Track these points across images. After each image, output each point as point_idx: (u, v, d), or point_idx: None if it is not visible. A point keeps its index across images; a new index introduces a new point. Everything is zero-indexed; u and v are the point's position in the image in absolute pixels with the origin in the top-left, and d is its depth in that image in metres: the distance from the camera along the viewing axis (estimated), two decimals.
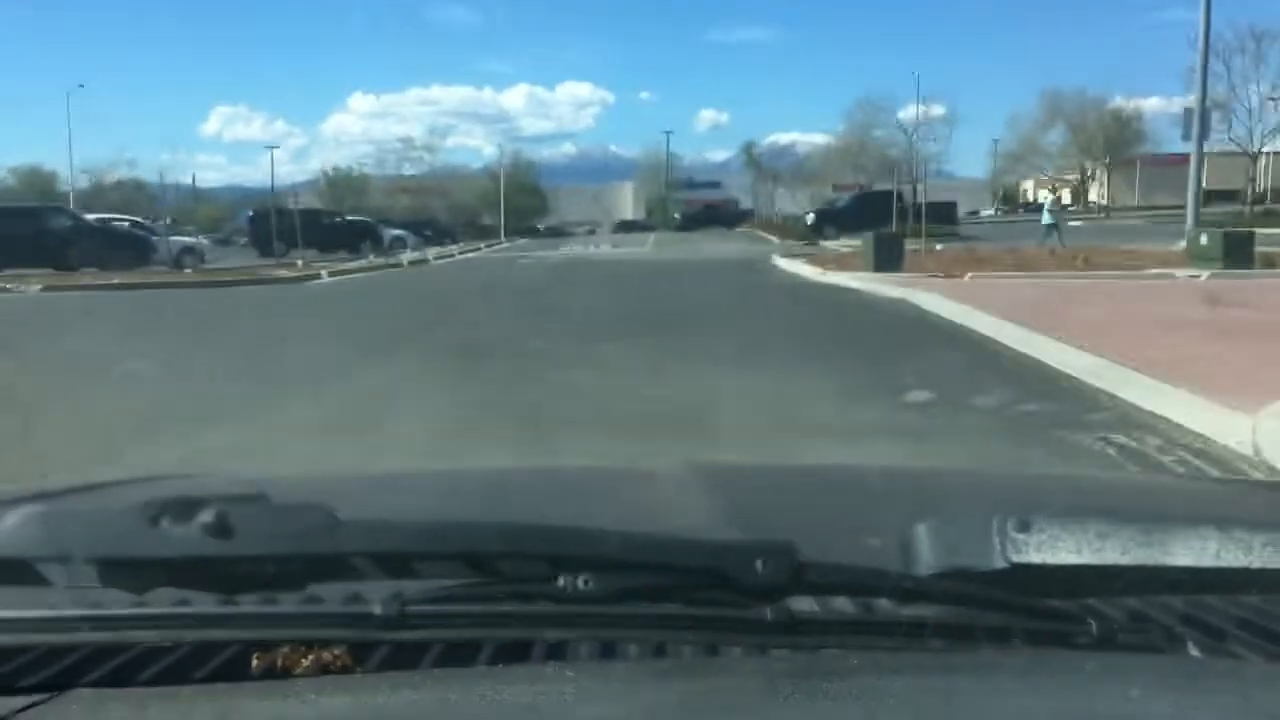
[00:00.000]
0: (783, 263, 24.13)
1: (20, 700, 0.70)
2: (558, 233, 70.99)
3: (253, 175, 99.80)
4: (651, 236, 54.91)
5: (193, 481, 1.56)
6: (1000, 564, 0.80)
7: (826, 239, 36.99)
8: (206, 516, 0.75)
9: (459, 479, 1.79)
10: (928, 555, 0.83)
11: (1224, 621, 0.86)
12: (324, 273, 24.63)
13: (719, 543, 0.83)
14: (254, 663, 0.76)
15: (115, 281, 20.47)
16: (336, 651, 0.77)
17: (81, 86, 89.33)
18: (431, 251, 38.70)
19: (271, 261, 28.57)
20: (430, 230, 51.70)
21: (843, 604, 0.85)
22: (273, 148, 60.63)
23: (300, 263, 27.77)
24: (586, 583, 0.77)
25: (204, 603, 0.78)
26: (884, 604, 0.83)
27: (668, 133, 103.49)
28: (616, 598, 0.78)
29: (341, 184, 75.21)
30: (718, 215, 71.08)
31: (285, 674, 0.75)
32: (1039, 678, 0.71)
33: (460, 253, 40.69)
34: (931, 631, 0.78)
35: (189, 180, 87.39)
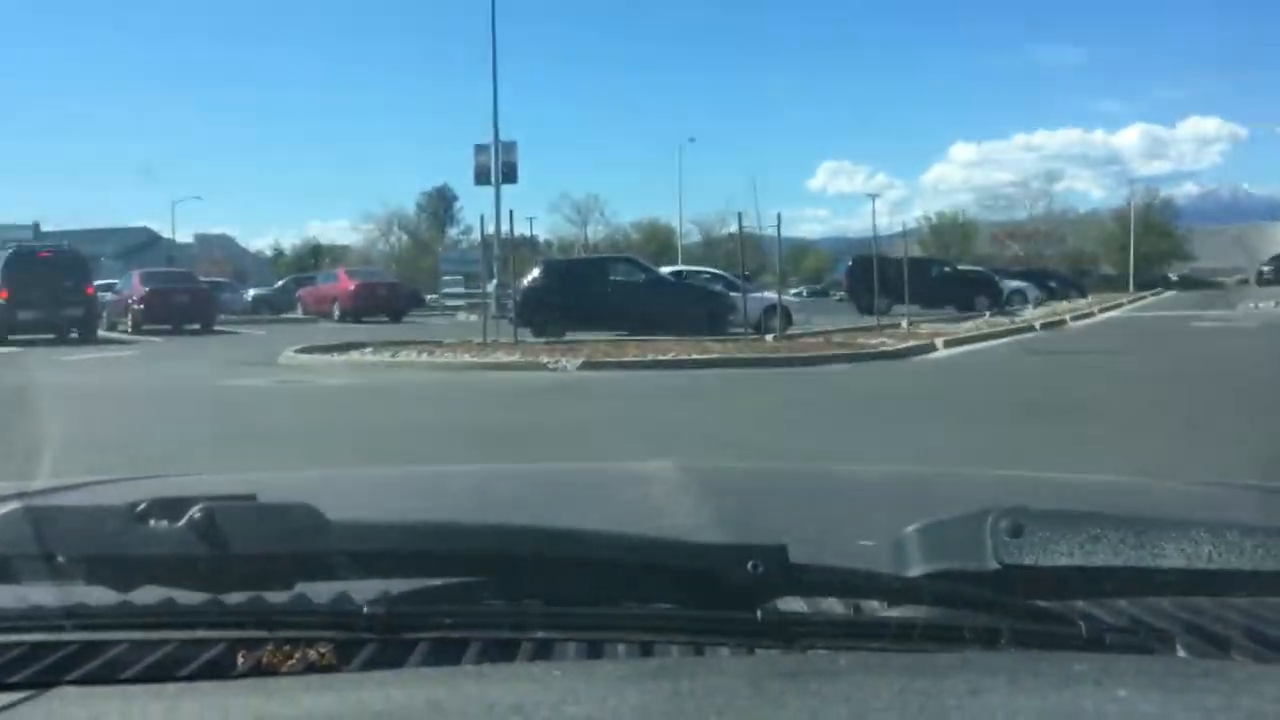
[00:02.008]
0: None
1: (5, 697, 0.69)
2: (1196, 282, 59.18)
3: (853, 226, 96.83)
4: None
5: (180, 481, 1.58)
6: (990, 565, 0.80)
7: None
8: (193, 515, 0.75)
9: (448, 479, 1.81)
10: (918, 556, 0.82)
11: (1213, 623, 0.85)
12: (938, 342, 18.05)
13: (709, 544, 0.84)
14: (240, 661, 0.75)
15: (667, 356, 15.33)
16: (322, 650, 0.75)
17: (692, 141, 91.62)
18: (1061, 307, 30.81)
19: (870, 323, 22.54)
20: (1054, 281, 43.61)
21: (832, 605, 0.85)
22: (874, 196, 55.90)
23: (904, 324, 21.37)
24: (575, 583, 0.78)
25: (190, 600, 0.77)
26: (873, 605, 0.83)
27: None
28: (605, 598, 0.79)
29: (946, 231, 68.95)
30: None
31: (271, 672, 0.74)
32: (1028, 678, 0.69)
33: (1099, 309, 32.25)
34: (921, 632, 0.77)
35: (792, 233, 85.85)
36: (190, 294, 26.80)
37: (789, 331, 19.44)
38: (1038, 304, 34.84)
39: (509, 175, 36.89)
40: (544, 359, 15.16)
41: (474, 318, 36.26)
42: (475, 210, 78.81)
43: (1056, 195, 71.82)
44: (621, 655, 0.78)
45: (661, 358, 15.17)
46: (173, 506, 0.76)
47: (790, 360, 15.07)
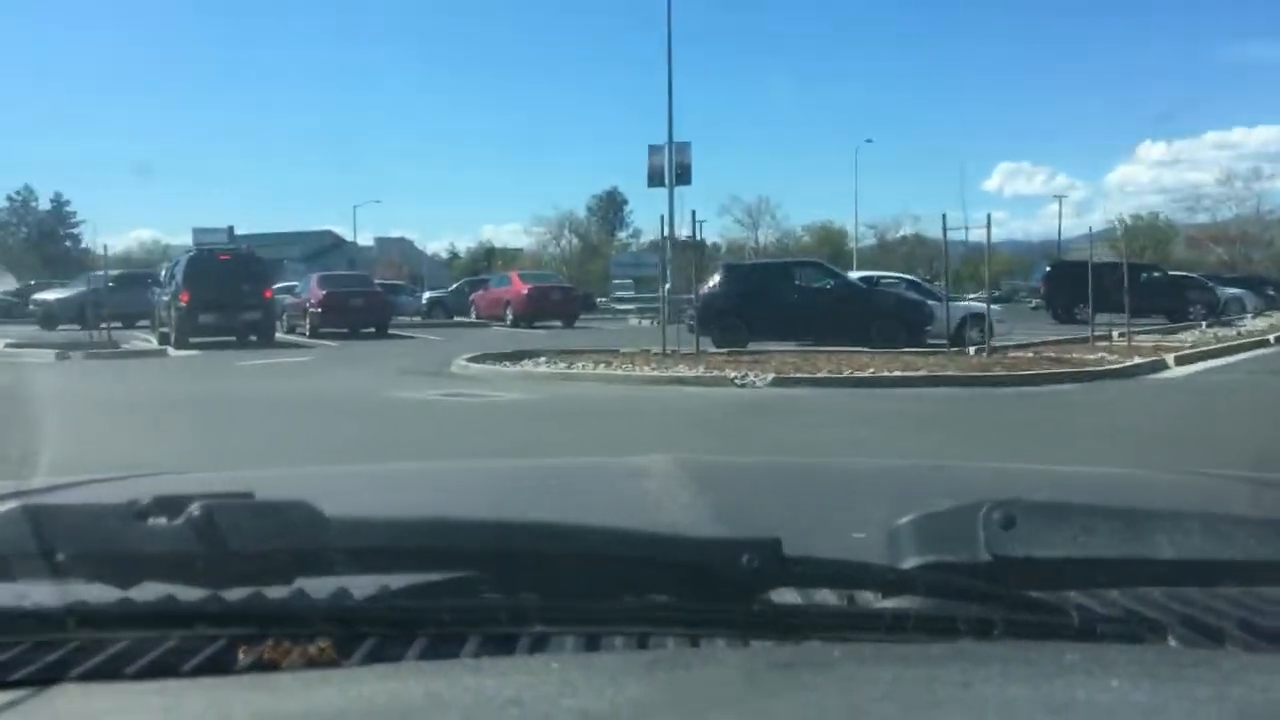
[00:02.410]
0: None
1: (7, 695, 0.70)
2: None
3: (1032, 229, 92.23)
4: None
5: (180, 478, 1.57)
6: (983, 557, 0.81)
7: None
8: (193, 512, 0.75)
9: (445, 475, 1.81)
10: (911, 548, 0.83)
11: (1204, 613, 0.85)
12: (1168, 358, 15.93)
13: (704, 538, 0.86)
14: (240, 656, 0.75)
15: (865, 372, 13.76)
16: (322, 645, 0.76)
17: (869, 141, 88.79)
18: None
19: (1076, 334, 20.33)
20: (1271, 288, 39.83)
21: (826, 597, 0.85)
22: (1060, 197, 52.57)
23: (1116, 335, 19.16)
24: (572, 577, 0.78)
25: (190, 597, 0.77)
26: (867, 597, 0.83)
27: None
28: (602, 592, 0.79)
29: (1141, 233, 64.59)
30: None
31: (271, 667, 0.74)
32: (1021, 668, 0.70)
33: None
34: (914, 623, 0.77)
35: (971, 236, 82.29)
36: (366, 297, 26.39)
37: (991, 343, 17.53)
38: (1257, 313, 31.61)
39: (682, 177, 35.78)
40: (730, 373, 13.81)
41: (646, 323, 35.47)
42: (644, 214, 78.21)
43: (1265, 195, 66.10)
44: (618, 648, 0.78)
45: (859, 374, 13.63)
46: (172, 504, 0.76)
47: (1007, 379, 13.29)
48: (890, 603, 0.81)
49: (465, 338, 24.43)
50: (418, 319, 35.71)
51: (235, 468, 6.08)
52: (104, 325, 20.59)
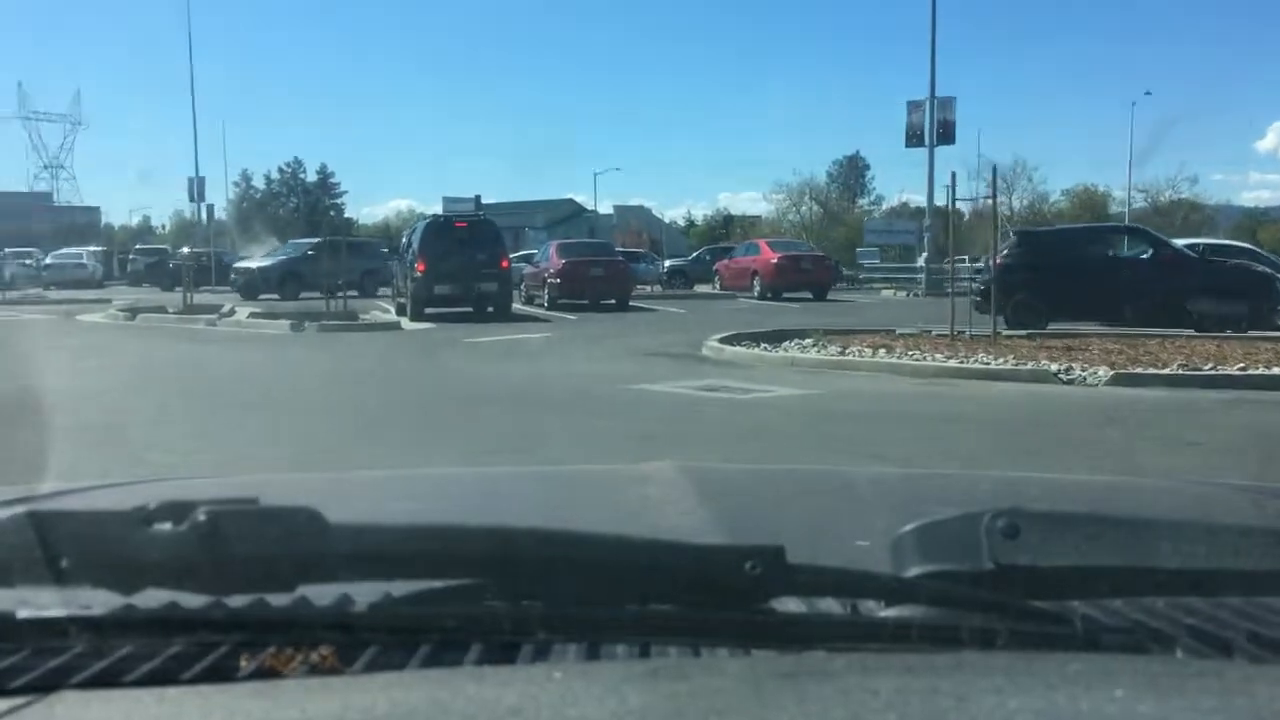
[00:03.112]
0: None
1: (7, 702, 0.69)
2: None
3: None
4: None
5: (184, 484, 1.57)
6: (986, 566, 0.80)
7: None
8: (196, 518, 0.75)
9: (447, 481, 1.80)
10: (914, 557, 0.82)
11: (1209, 623, 0.84)
12: None
13: (707, 545, 0.83)
14: (243, 663, 0.75)
15: (1233, 369, 10.55)
16: (324, 652, 0.76)
17: (1148, 94, 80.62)
18: None
19: None
20: None
21: (829, 605, 0.84)
22: None
23: None
24: (574, 584, 0.77)
25: (193, 604, 0.77)
26: (870, 605, 0.82)
27: None
28: (604, 599, 0.78)
29: None
30: None
31: (274, 675, 0.74)
32: (1024, 678, 0.69)
33: None
34: (917, 632, 0.77)
35: (1234, 200, 73.74)
36: (606, 267, 24.37)
37: None
38: None
39: (945, 135, 32.24)
40: (1048, 364, 10.93)
41: (901, 294, 32.48)
42: (887, 180, 74.02)
43: None
44: (620, 656, 0.78)
45: (1228, 371, 10.47)
46: (176, 510, 0.76)
47: None
48: (893, 612, 0.80)
49: (712, 312, 22.21)
50: (657, 288, 33.78)
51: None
52: (340, 294, 19.43)
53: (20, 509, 0.82)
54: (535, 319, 20.95)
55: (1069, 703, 0.64)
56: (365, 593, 0.79)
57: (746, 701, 0.65)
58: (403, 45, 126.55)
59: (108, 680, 0.72)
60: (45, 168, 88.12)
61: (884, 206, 70.89)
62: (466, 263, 20.36)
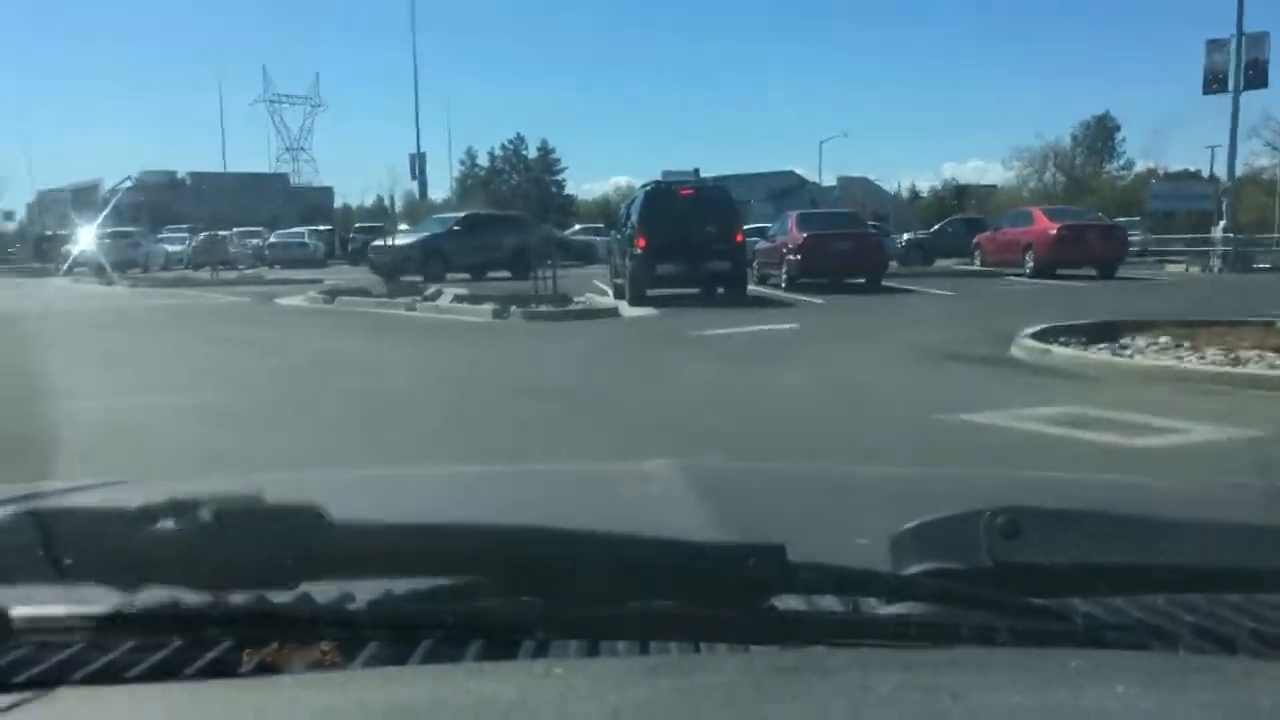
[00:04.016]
0: None
1: (9, 698, 0.69)
2: None
3: None
4: None
5: (185, 483, 1.55)
6: (987, 563, 0.80)
7: None
8: (198, 515, 0.75)
9: (449, 478, 1.79)
10: (915, 554, 0.82)
11: (1209, 620, 0.83)
12: None
13: (707, 543, 0.83)
14: (244, 659, 0.75)
15: None
16: (326, 648, 0.75)
17: None
18: None
19: None
20: None
21: (830, 602, 0.84)
22: None
23: None
24: (575, 582, 0.77)
25: (194, 600, 0.76)
26: (871, 602, 0.82)
27: None
28: (605, 597, 0.78)
29: None
30: None
31: (275, 670, 0.74)
32: (1025, 675, 0.69)
33: None
34: (918, 629, 0.76)
35: None
36: (855, 241, 20.63)
37: None
38: None
39: (1255, 78, 26.82)
40: None
41: (1194, 270, 27.40)
42: (1140, 140, 66.50)
43: None
44: (621, 653, 0.77)
45: None
46: (177, 508, 0.75)
47: None
48: (894, 609, 0.79)
49: (984, 294, 18.33)
50: (894, 264, 29.75)
51: None
52: (543, 274, 16.64)
53: (22, 507, 0.83)
54: (774, 302, 17.58)
55: (1070, 699, 0.64)
56: (366, 590, 0.78)
57: (746, 698, 0.64)
58: (624, 18, 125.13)
59: (110, 676, 0.72)
60: (287, 150, 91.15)
61: (1134, 171, 63.68)
62: (695, 237, 17.16)
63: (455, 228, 23.91)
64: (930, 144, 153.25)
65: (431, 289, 19.33)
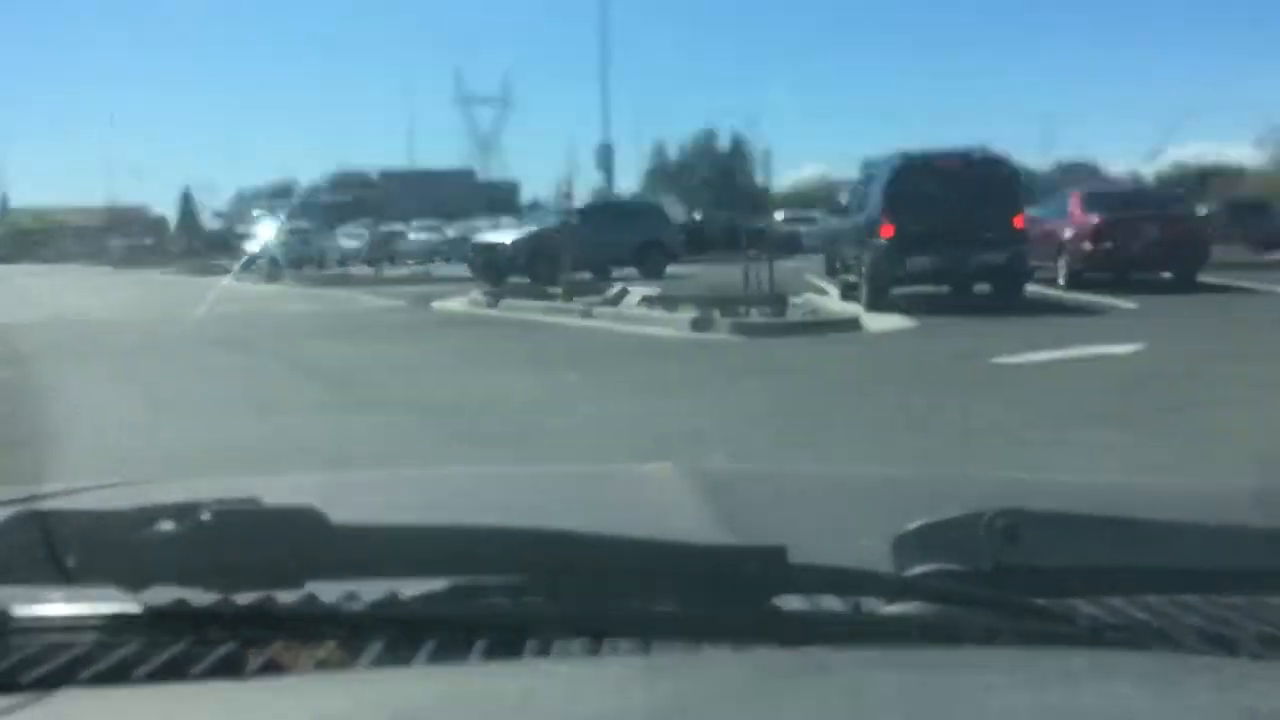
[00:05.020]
0: None
1: (14, 698, 0.68)
2: None
3: None
4: None
5: (188, 485, 1.54)
6: (988, 564, 0.80)
7: None
8: (201, 518, 0.75)
9: (454, 480, 1.78)
10: (916, 555, 0.81)
11: (1210, 621, 0.82)
12: None
13: (709, 545, 0.83)
14: (250, 659, 0.74)
15: None
16: (331, 647, 0.75)
17: None
18: None
19: None
20: None
21: (831, 603, 0.83)
22: None
23: None
24: (578, 583, 0.77)
25: (199, 601, 0.76)
26: (872, 602, 0.81)
27: None
28: (608, 597, 0.78)
29: None
30: None
31: (281, 670, 0.73)
32: (1026, 675, 0.68)
33: None
34: (919, 630, 0.76)
35: None
36: (1165, 225, 15.32)
37: None
38: None
39: None
40: None
41: None
42: None
43: None
44: (624, 653, 0.76)
45: None
46: (182, 510, 0.75)
47: None
48: (895, 609, 0.79)
49: None
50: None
51: None
52: (754, 270, 12.42)
53: (25, 508, 0.83)
54: (1064, 307, 12.93)
55: (1071, 699, 0.63)
56: (371, 590, 0.78)
57: (750, 698, 0.64)
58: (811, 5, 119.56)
59: (115, 676, 0.71)
60: (478, 148, 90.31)
61: None
62: (959, 222, 12.54)
63: (570, 219, 19.92)
64: (1150, 125, 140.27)
65: (615, 288, 15.54)
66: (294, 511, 0.77)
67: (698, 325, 11.27)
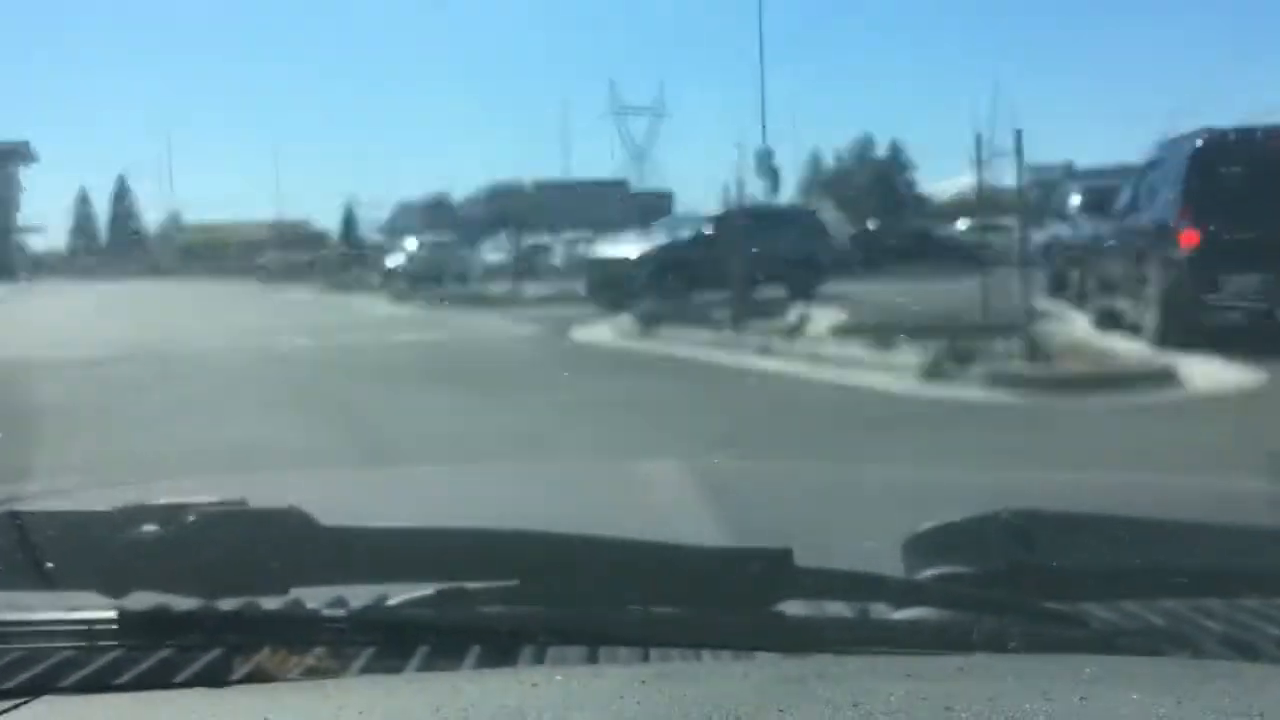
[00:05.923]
0: None
1: None
2: None
3: None
4: None
5: (171, 485, 1.50)
6: (999, 566, 0.78)
7: None
8: (184, 520, 0.73)
9: (447, 478, 1.70)
10: (925, 558, 0.79)
11: (1224, 625, 0.80)
12: None
13: (713, 547, 0.81)
14: (235, 667, 0.72)
15: None
16: (319, 655, 0.73)
17: None
18: None
19: None
20: None
21: (838, 608, 0.81)
22: None
23: None
24: (576, 586, 0.75)
25: (183, 606, 0.73)
26: (880, 607, 0.79)
27: None
28: (607, 601, 0.76)
29: None
30: None
31: (267, 678, 0.71)
32: (1038, 681, 0.66)
33: None
34: (929, 635, 0.74)
35: None
36: None
37: None
38: None
39: None
40: None
41: None
42: None
43: None
44: (622, 660, 0.74)
45: None
46: (164, 512, 0.73)
47: None
48: (904, 614, 0.76)
49: None
50: None
51: None
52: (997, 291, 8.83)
53: (4, 510, 0.80)
54: None
55: (1084, 706, 0.61)
56: (359, 594, 0.76)
57: (750, 706, 0.62)
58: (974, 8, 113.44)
59: (98, 684, 0.69)
60: (631, 159, 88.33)
61: None
62: None
63: (706, 232, 16.37)
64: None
65: (793, 314, 12.22)
66: (280, 513, 0.74)
67: (929, 373, 7.89)
